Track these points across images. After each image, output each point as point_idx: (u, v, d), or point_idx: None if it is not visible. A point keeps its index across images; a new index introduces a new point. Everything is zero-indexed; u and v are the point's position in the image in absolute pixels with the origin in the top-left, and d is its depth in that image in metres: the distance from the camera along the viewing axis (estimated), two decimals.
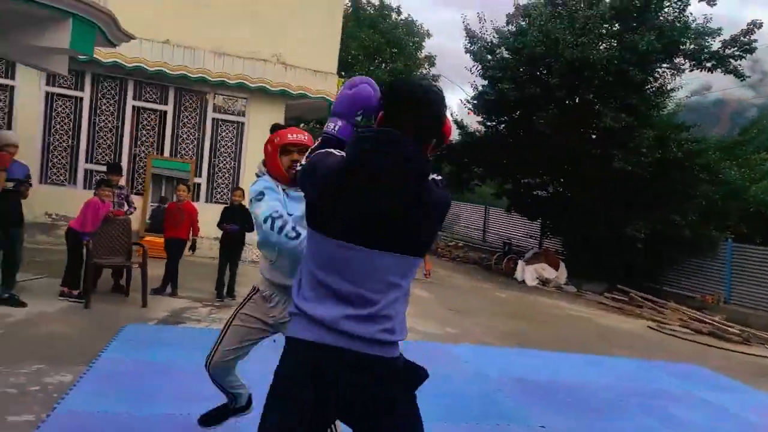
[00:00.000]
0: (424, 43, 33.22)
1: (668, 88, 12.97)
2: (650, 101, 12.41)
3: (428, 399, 4.33)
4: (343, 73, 30.89)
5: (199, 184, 9.82)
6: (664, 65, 12.67)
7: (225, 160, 10.09)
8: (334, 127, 1.79)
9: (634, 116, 11.56)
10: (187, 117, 10.03)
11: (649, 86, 12.62)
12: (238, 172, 10.07)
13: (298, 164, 1.78)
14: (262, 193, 2.40)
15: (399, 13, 33.44)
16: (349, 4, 32.55)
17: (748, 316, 10.37)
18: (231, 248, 6.79)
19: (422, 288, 9.72)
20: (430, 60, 32.87)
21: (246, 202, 6.49)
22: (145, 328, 5.20)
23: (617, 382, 5.45)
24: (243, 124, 10.24)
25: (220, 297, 6.69)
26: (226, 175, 10.09)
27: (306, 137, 2.58)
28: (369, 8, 32.92)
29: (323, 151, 1.69)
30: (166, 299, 6.37)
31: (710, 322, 9.35)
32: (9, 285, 5.27)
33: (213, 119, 10.04)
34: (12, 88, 9.14)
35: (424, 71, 32.64)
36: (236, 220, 6.63)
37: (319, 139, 1.81)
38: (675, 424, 4.50)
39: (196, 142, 9.97)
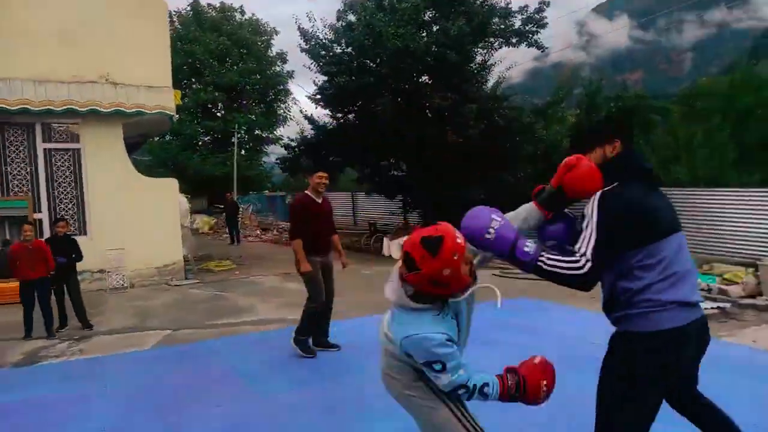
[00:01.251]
0: (273, 41, 33.42)
1: (488, 64, 14.55)
2: (472, 79, 13.82)
3: (284, 367, 4.89)
4: (193, 79, 30.15)
5: (40, 220, 9.50)
6: (479, 46, 14.14)
7: (65, 189, 9.82)
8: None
9: (459, 94, 12.85)
10: (14, 152, 9.61)
11: (470, 65, 14.04)
12: (82, 200, 9.85)
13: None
14: (447, 354, 2.00)
15: (243, 13, 33.25)
16: (189, 9, 31.77)
17: None
18: (63, 280, 6.80)
19: (291, 280, 10.25)
20: (282, 57, 33.18)
21: (69, 231, 6.62)
22: None
23: None
24: (79, 150, 9.99)
25: (52, 333, 6.54)
26: (69, 205, 9.83)
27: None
28: (210, 11, 32.37)
29: (636, 205, 2.08)
30: (19, 342, 6.30)
31: None
32: None
33: (45, 150, 9.71)
34: None
35: (278, 69, 32.90)
36: (63, 252, 6.69)
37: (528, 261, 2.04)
38: (490, 344, 5.46)
39: (29, 177, 9.60)
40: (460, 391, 2.02)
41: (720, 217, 10.54)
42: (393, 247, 13.49)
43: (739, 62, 27.16)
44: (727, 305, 7.03)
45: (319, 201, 5.36)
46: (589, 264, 2.00)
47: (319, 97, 14.51)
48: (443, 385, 2.03)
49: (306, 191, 5.40)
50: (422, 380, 2.13)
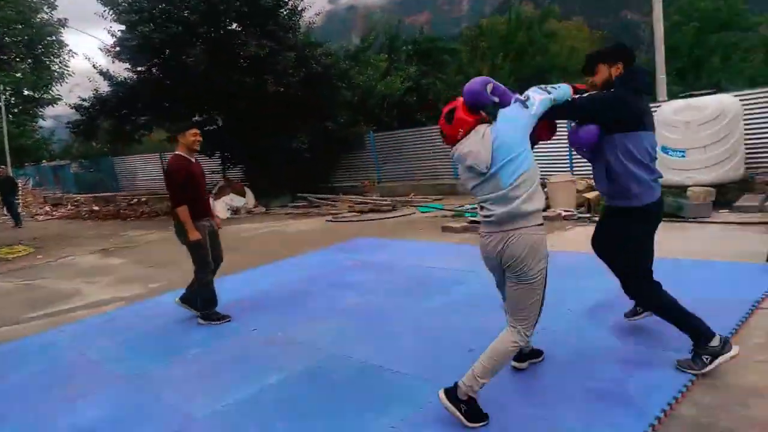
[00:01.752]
0: None
1: (298, 9, 14.31)
2: (286, 24, 13.54)
3: (147, 343, 4.67)
4: None
5: None
6: None
7: None
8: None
9: (275, 42, 12.55)
10: None
11: (281, 10, 13.69)
12: None
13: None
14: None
15: None
16: None
17: (395, 188, 13.19)
18: None
19: (112, 256, 9.47)
20: (49, 2, 28.42)
21: None
22: None
23: (306, 273, 6.61)
24: None
25: None
26: None
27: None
28: None
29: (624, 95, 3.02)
30: None
31: (369, 201, 11.60)
32: None
33: None
34: None
35: (45, 16, 28.22)
36: None
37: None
38: (350, 285, 5.87)
39: None
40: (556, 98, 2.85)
41: None
42: (218, 206, 13.05)
43: (508, 2, 30.51)
44: None
45: (193, 161, 5.04)
46: (576, 101, 2.97)
47: (118, 49, 12.96)
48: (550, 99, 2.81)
49: (178, 152, 4.97)
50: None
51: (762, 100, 9.02)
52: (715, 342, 3.05)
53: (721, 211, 7.50)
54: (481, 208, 2.84)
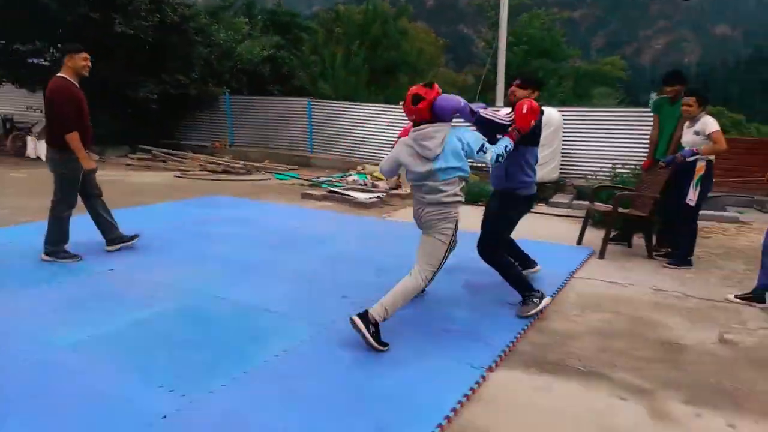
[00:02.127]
0: None
1: None
2: None
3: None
4: None
5: None
6: None
7: None
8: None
9: None
10: None
11: None
12: None
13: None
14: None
15: None
16: None
17: (248, 153, 12.92)
18: None
19: None
20: None
21: None
22: None
23: (163, 224, 6.30)
24: None
25: None
26: None
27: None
28: None
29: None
30: None
31: (222, 162, 11.24)
32: None
33: None
34: None
35: None
36: None
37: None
38: (214, 237, 5.79)
39: None
40: (502, 156, 3.48)
41: (360, 127, 12.57)
42: (41, 149, 11.57)
43: None
44: (382, 195, 8.83)
45: (78, 86, 4.67)
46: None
47: None
48: (490, 159, 3.39)
49: (63, 75, 4.57)
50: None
51: (575, 116, 10.60)
52: (537, 292, 3.99)
53: (539, 204, 8.75)
54: (417, 189, 3.45)
